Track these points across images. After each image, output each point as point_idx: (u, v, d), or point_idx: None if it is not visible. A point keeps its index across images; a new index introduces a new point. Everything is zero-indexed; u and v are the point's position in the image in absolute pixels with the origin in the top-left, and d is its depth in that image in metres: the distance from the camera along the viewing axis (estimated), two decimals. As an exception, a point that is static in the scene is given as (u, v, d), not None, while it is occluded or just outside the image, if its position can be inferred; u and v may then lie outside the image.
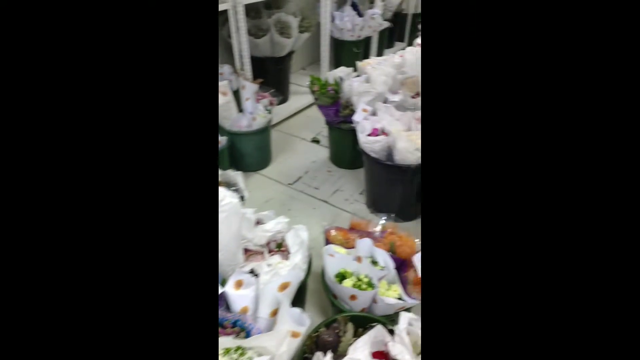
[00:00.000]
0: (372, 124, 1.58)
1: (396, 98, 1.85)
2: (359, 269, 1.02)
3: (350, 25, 2.96)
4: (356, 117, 1.66)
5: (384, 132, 1.56)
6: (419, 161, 1.45)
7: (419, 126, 1.60)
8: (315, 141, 2.38)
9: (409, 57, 1.97)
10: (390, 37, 3.80)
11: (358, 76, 1.99)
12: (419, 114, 1.67)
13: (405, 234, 1.20)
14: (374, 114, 1.72)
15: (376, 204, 1.76)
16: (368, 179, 1.75)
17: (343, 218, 1.75)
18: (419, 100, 1.80)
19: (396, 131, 1.52)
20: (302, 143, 2.38)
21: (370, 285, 0.99)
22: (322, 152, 2.26)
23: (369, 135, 1.54)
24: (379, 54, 3.54)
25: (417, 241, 1.16)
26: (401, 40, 4.00)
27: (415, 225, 1.71)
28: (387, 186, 1.65)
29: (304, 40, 2.49)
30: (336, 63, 3.33)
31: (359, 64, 2.24)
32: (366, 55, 3.38)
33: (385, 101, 1.87)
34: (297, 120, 2.61)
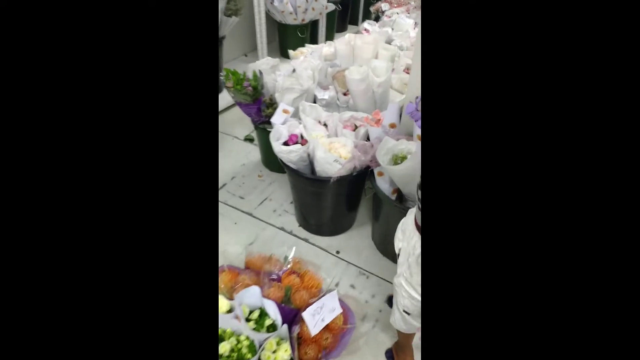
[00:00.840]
0: (290, 128, 1.35)
1: (325, 95, 1.62)
2: (241, 329, 0.81)
3: (292, 7, 2.67)
4: (274, 120, 1.43)
5: (303, 139, 1.33)
6: (342, 173, 1.24)
7: (346, 131, 1.39)
8: (249, 139, 2.13)
9: (340, 47, 1.74)
10: (342, 19, 3.52)
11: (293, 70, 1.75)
12: (347, 115, 1.45)
13: (311, 270, 1.00)
14: (297, 115, 1.49)
15: (304, 217, 1.56)
16: (293, 190, 1.53)
17: (267, 235, 1.55)
18: (351, 97, 1.59)
19: (315, 139, 1.30)
20: (234, 142, 2.12)
21: (252, 350, 0.79)
22: (255, 153, 2.01)
23: (286, 143, 1.31)
24: (329, 38, 3.27)
25: (324, 279, 0.96)
26: (354, 22, 3.74)
27: (346, 240, 1.53)
28: (313, 198, 1.45)
29: (233, 24, 2.20)
30: (282, 49, 3.06)
31: (291, 53, 1.98)
32: (314, 40, 3.12)
33: (315, 99, 1.65)
34: (231, 115, 2.32)
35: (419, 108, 1.23)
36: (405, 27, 2.42)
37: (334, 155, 1.24)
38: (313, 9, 2.74)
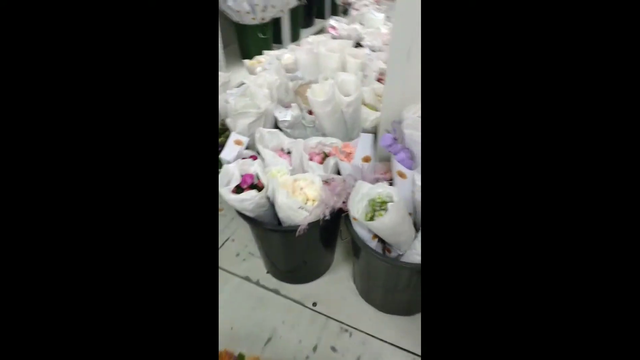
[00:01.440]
0: (243, 167, 1.10)
1: (288, 116, 1.36)
2: None
3: (249, 6, 2.38)
4: (224, 155, 1.17)
5: (260, 180, 1.08)
6: (310, 219, 1.00)
7: (313, 164, 1.14)
8: (208, 164, 1.86)
9: (302, 56, 1.48)
10: (308, 14, 3.23)
11: (240, 85, 1.48)
12: (313, 141, 1.21)
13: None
14: (252, 145, 1.24)
15: (272, 264, 1.31)
16: (255, 239, 1.28)
17: (228, 290, 1.30)
18: (320, 102, 1.34)
19: (275, 177, 1.05)
20: (191, 168, 1.85)
21: None
22: (215, 180, 1.75)
23: (239, 186, 1.06)
24: (294, 37, 2.99)
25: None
26: (321, 16, 3.45)
27: (323, 286, 1.29)
28: (280, 247, 1.21)
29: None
30: (242, 52, 2.76)
31: (247, 64, 1.71)
32: (278, 39, 2.84)
33: (276, 122, 1.39)
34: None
35: (397, 135, 0.99)
36: (376, 22, 2.17)
37: (298, 200, 0.99)
38: (273, 6, 2.45)
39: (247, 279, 1.35)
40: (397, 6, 0.93)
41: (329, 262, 1.37)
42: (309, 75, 1.48)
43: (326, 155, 1.23)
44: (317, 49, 1.44)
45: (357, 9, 2.61)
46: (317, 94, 1.19)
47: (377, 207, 0.93)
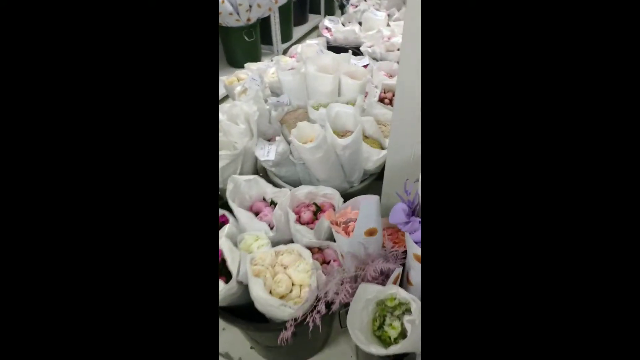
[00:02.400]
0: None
1: (271, 155, 1.08)
2: None
3: (232, 7, 2.07)
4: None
5: (226, 264, 0.81)
6: (297, 315, 0.74)
7: (302, 229, 0.87)
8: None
9: (286, 78, 1.18)
10: (301, 10, 2.91)
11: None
12: (302, 191, 0.94)
13: None
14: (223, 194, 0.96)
15: (254, 341, 1.05)
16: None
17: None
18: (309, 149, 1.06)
19: (246, 258, 0.78)
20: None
21: None
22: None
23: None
24: (286, 37, 2.67)
25: None
26: (316, 11, 3.13)
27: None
28: (262, 344, 0.94)
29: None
30: (228, 58, 2.45)
31: (224, 83, 1.42)
32: (268, 40, 2.53)
33: (256, 162, 1.11)
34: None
35: (412, 202, 0.71)
36: (377, 23, 1.86)
37: (276, 299, 0.72)
38: (259, 5, 2.13)
39: (227, 356, 1.09)
40: (406, 24, 0.65)
41: (326, 336, 1.10)
42: (297, 99, 1.20)
43: (318, 208, 0.96)
44: (306, 67, 1.15)
45: (355, 6, 2.29)
46: (304, 136, 0.91)
47: (389, 311, 0.66)
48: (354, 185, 1.07)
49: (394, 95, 1.38)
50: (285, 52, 2.69)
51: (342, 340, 1.11)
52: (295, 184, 1.16)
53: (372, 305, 0.66)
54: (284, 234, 0.91)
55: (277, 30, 2.48)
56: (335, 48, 1.88)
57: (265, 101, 1.25)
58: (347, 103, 1.12)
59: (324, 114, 1.05)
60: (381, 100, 1.33)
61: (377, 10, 1.94)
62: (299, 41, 2.89)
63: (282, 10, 2.43)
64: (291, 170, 1.16)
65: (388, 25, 1.88)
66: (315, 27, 3.15)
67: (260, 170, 1.18)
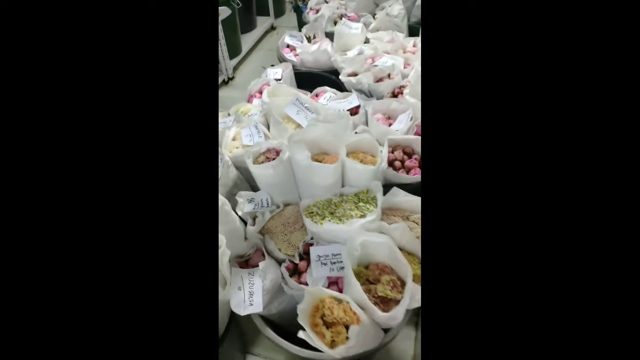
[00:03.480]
0: None
1: (255, 300, 0.69)
2: None
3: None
4: None
5: None
6: None
7: None
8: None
9: (260, 172, 0.76)
10: (248, 15, 2.42)
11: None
12: None
13: None
14: None
15: None
16: None
17: None
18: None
19: None
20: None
21: None
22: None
23: None
24: (233, 52, 2.19)
25: None
26: (264, 13, 2.65)
27: None
28: None
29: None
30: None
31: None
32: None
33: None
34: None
35: None
36: (352, 40, 1.46)
37: None
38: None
39: None
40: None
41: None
42: (281, 194, 0.80)
43: None
44: (293, 154, 0.73)
45: (315, 10, 1.86)
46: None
47: None
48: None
49: (406, 155, 1.03)
50: (235, 69, 2.23)
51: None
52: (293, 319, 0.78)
53: None
54: None
55: (224, 47, 2.00)
56: (304, 74, 1.47)
57: (232, 194, 0.84)
58: (358, 199, 0.74)
59: (333, 231, 0.67)
60: (390, 163, 0.96)
61: (348, 18, 1.54)
62: (248, 54, 2.42)
63: (226, 24, 1.95)
64: (286, 303, 0.77)
65: (367, 41, 1.49)
66: (266, 32, 2.68)
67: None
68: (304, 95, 1.05)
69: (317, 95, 1.25)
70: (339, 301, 0.56)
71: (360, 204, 0.73)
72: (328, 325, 0.55)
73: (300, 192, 0.80)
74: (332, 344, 0.53)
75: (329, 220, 0.69)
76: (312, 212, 0.73)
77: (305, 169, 0.72)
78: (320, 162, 0.74)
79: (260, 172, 0.75)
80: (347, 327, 0.54)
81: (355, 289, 0.55)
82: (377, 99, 1.20)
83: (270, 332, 0.70)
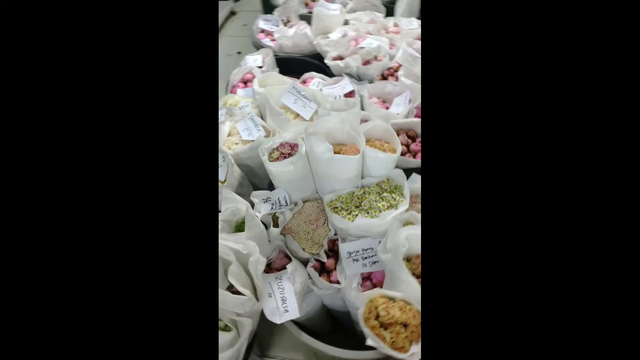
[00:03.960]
0: None
1: (289, 306, 0.65)
2: None
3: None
4: None
5: None
6: None
7: None
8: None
9: (278, 169, 0.71)
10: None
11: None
12: None
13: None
14: None
15: None
16: None
17: None
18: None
19: None
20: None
21: None
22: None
23: None
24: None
25: None
26: (223, -3, 2.48)
27: None
28: None
29: None
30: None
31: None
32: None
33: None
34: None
35: None
36: (333, 21, 1.40)
37: None
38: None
39: None
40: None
41: None
42: (299, 191, 0.75)
43: None
44: (312, 146, 0.68)
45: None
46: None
47: None
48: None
49: (410, 139, 1.00)
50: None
51: None
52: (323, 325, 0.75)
53: None
54: None
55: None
56: (284, 60, 1.39)
57: (240, 195, 0.77)
58: (381, 189, 0.71)
59: (365, 226, 0.64)
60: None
61: (327, 0, 1.47)
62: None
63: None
64: (312, 304, 0.74)
65: (346, 22, 1.43)
66: (226, 18, 2.52)
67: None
68: (299, 84, 0.99)
69: (305, 82, 1.19)
70: (392, 300, 0.54)
71: (385, 194, 0.70)
72: (385, 326, 0.52)
73: (318, 187, 0.76)
74: (393, 345, 0.50)
75: (359, 215, 0.66)
76: (336, 208, 0.69)
77: (326, 162, 0.68)
78: (339, 154, 0.70)
79: (279, 170, 0.69)
80: (404, 326, 0.52)
81: (411, 285, 0.52)
82: (368, 82, 1.17)
83: (307, 337, 0.67)
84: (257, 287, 0.61)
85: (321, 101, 0.95)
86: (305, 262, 0.73)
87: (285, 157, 0.71)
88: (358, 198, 0.70)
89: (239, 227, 0.68)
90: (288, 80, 1.07)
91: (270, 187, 0.95)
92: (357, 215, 0.67)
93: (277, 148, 0.74)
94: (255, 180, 0.97)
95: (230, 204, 0.66)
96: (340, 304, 0.78)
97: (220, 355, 0.55)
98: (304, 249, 0.72)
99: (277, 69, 1.32)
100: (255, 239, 0.62)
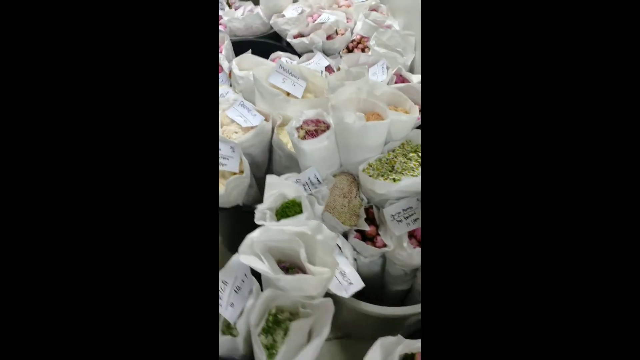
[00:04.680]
0: None
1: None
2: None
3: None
4: None
5: None
6: None
7: None
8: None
9: (310, 147, 0.68)
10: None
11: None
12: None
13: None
14: None
15: None
16: None
17: None
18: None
19: None
20: None
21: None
22: None
23: None
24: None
25: None
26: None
27: None
28: None
29: None
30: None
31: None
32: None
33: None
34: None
35: None
36: (284, 0, 1.35)
37: None
38: None
39: None
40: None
41: None
42: (328, 167, 0.73)
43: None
44: (341, 116, 0.66)
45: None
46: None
47: None
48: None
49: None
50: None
51: None
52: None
53: None
54: None
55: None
56: (239, 44, 1.31)
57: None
58: (405, 150, 0.74)
59: (410, 185, 0.66)
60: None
61: None
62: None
63: None
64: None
65: (296, 1, 1.39)
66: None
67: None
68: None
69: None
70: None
71: (411, 154, 0.72)
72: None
73: (344, 160, 0.75)
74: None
75: (401, 176, 0.67)
76: (371, 175, 0.70)
77: (357, 132, 0.67)
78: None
79: (314, 147, 0.67)
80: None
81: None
82: (340, 56, 1.17)
83: (365, 304, 0.67)
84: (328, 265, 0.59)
85: (308, 77, 0.92)
86: (345, 236, 0.73)
87: (313, 135, 0.69)
88: (387, 162, 0.71)
89: (282, 213, 0.64)
90: (264, 61, 1.02)
91: (268, 172, 0.91)
92: (395, 178, 0.68)
93: (300, 126, 0.71)
94: (253, 168, 0.92)
95: (274, 189, 0.62)
96: (378, 269, 0.80)
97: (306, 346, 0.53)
98: (343, 223, 0.71)
99: (234, 54, 1.24)
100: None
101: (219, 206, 0.76)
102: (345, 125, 0.66)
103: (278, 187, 0.63)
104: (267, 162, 0.96)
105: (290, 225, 0.57)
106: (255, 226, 0.56)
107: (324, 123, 0.71)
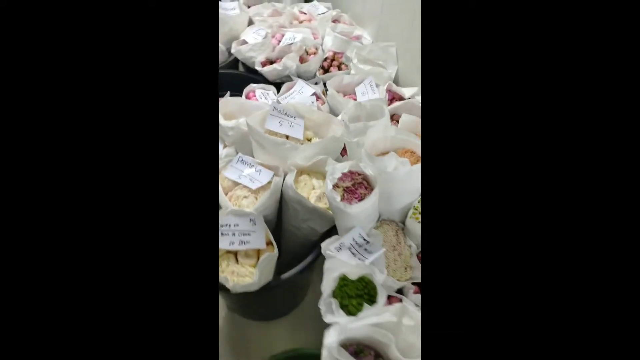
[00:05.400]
0: None
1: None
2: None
3: None
4: None
5: None
6: None
7: None
8: None
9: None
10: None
11: None
12: None
13: None
14: None
15: None
16: None
17: None
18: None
19: None
20: None
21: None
22: None
23: None
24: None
25: None
26: None
27: None
28: None
29: None
30: None
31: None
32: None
33: None
34: None
35: None
36: (240, 24, 1.21)
37: None
38: None
39: None
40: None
41: None
42: (369, 221, 0.63)
43: None
44: (363, 168, 0.57)
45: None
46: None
47: None
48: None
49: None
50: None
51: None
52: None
53: None
54: None
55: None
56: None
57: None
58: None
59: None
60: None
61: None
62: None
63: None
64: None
65: (251, 22, 1.26)
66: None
67: None
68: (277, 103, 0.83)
69: (247, 97, 1.01)
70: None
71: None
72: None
73: (385, 209, 0.66)
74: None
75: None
76: (420, 220, 0.62)
77: (402, 178, 0.58)
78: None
79: (361, 209, 0.57)
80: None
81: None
82: (322, 81, 1.07)
83: None
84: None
85: (305, 114, 0.82)
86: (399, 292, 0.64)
87: (351, 192, 0.59)
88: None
89: (341, 295, 0.54)
90: (248, 103, 0.89)
91: (278, 227, 0.81)
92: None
93: (336, 185, 0.60)
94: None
95: (333, 273, 0.51)
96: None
97: None
98: (399, 279, 0.63)
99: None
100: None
101: (248, 292, 0.63)
102: (389, 175, 0.57)
103: (337, 270, 0.52)
104: (276, 217, 0.84)
105: (370, 316, 0.47)
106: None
107: (359, 174, 0.61)
